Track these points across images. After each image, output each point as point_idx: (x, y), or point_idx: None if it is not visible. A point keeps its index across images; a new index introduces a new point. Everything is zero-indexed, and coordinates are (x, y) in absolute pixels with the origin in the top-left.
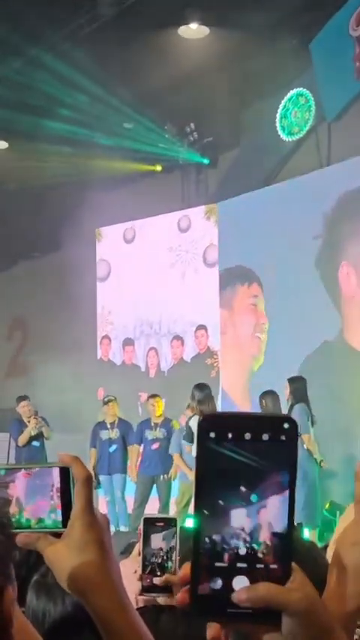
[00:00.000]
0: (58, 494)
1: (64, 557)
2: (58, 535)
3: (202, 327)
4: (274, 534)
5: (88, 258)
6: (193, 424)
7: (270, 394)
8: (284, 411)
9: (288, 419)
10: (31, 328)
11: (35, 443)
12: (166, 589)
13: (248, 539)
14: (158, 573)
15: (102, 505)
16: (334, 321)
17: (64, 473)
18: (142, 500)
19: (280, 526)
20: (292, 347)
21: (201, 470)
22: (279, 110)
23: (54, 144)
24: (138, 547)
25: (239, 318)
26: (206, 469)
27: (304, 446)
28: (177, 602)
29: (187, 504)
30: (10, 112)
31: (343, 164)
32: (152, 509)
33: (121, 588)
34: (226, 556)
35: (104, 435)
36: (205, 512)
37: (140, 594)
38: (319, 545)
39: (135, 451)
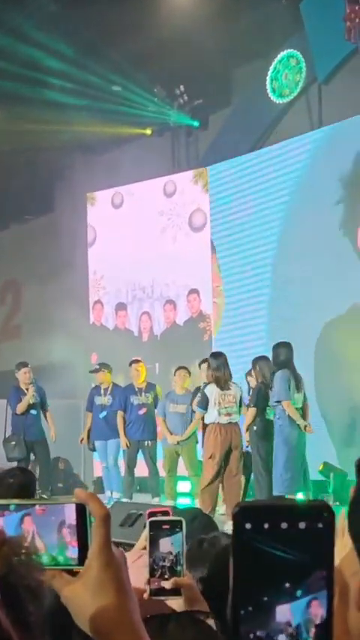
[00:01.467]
0: (75, 530)
1: (82, 598)
2: (74, 573)
3: (194, 290)
4: (318, 626)
5: (79, 222)
6: (209, 392)
7: (263, 359)
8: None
9: (324, 506)
10: (22, 292)
11: (33, 411)
12: (175, 591)
13: (295, 633)
14: (166, 576)
15: (98, 470)
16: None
17: (81, 509)
18: (130, 466)
19: (322, 618)
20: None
21: (239, 564)
22: (269, 72)
23: (43, 108)
24: (144, 544)
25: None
26: (245, 563)
27: (286, 412)
28: None
29: (171, 470)
30: None
31: (334, 126)
32: (143, 471)
33: (141, 628)
34: None
35: (98, 400)
36: (250, 608)
37: (148, 598)
38: None
39: (120, 417)
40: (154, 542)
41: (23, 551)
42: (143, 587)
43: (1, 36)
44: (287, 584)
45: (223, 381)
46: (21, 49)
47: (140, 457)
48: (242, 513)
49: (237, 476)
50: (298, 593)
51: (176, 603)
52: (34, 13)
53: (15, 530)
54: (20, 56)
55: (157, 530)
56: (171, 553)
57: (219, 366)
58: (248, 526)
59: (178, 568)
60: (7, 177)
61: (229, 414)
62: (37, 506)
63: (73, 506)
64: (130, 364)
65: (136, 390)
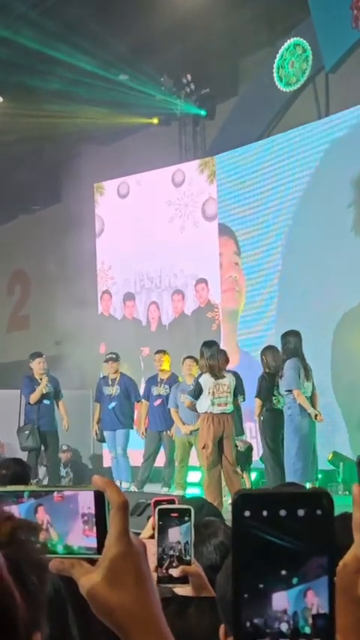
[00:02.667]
0: (93, 519)
1: (100, 588)
2: (92, 562)
3: (202, 280)
4: (316, 616)
5: (87, 212)
6: (203, 381)
7: (269, 350)
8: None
9: (323, 493)
10: (31, 282)
11: (46, 401)
12: (182, 579)
13: (291, 621)
14: (174, 564)
15: (107, 460)
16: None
17: (99, 497)
18: (149, 456)
19: (322, 607)
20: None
21: (238, 551)
22: (276, 61)
23: (50, 97)
24: (149, 532)
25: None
26: (244, 551)
27: (296, 401)
28: None
29: (183, 460)
30: (4, 67)
31: (342, 114)
32: (161, 462)
33: (160, 619)
34: None
35: (106, 390)
36: (245, 595)
37: (157, 585)
38: None
39: (144, 407)
40: (162, 532)
41: (33, 533)
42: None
43: (7, 25)
44: (284, 572)
45: (217, 369)
46: (27, 39)
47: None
48: (241, 501)
49: (234, 467)
50: (294, 580)
51: (184, 591)
52: (39, 3)
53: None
54: (26, 46)
55: (166, 519)
56: (179, 543)
57: (212, 355)
58: (247, 513)
59: (187, 558)
60: (14, 168)
61: (222, 404)
62: (54, 494)
63: (91, 494)
64: (154, 355)
65: (158, 381)
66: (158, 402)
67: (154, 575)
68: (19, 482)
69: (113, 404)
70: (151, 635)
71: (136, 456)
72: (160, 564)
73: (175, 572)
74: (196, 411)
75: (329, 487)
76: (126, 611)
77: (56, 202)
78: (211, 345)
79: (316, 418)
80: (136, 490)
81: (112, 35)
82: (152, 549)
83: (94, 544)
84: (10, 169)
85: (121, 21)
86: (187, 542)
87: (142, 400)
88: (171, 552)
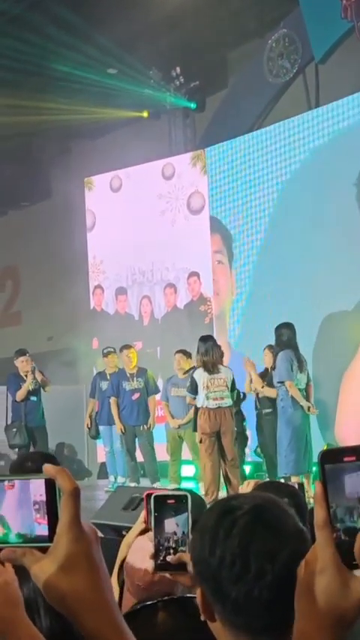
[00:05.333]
0: (44, 507)
1: (52, 575)
2: (44, 550)
3: (194, 273)
4: None
5: (78, 207)
6: (197, 376)
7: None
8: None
9: None
10: (22, 278)
11: (33, 398)
12: (180, 566)
13: None
14: (172, 551)
15: (102, 455)
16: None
17: (50, 485)
18: (131, 451)
19: None
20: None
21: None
22: (265, 53)
23: (38, 92)
24: (141, 527)
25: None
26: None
27: (289, 393)
28: None
29: (174, 453)
30: None
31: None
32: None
33: (113, 605)
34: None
35: (104, 385)
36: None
37: (153, 572)
38: (313, 487)
39: (114, 403)
40: (159, 523)
41: None
42: (148, 566)
43: None
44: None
45: (211, 364)
46: (14, 34)
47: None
48: (324, 456)
49: (233, 461)
50: None
51: (183, 579)
52: None
53: None
54: (14, 41)
55: (162, 508)
56: (175, 533)
57: (207, 350)
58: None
59: (183, 548)
60: (3, 163)
61: (218, 399)
62: (5, 483)
63: (42, 482)
64: (121, 350)
65: (128, 375)
66: (136, 395)
67: (151, 563)
68: None
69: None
70: (103, 621)
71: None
72: (156, 555)
73: (172, 560)
74: (197, 407)
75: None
76: (77, 596)
77: (46, 197)
78: (206, 340)
79: (309, 410)
80: (133, 485)
81: (101, 29)
82: (148, 542)
83: (46, 532)
84: None
85: (110, 14)
86: (183, 532)
87: (112, 396)
88: (167, 544)
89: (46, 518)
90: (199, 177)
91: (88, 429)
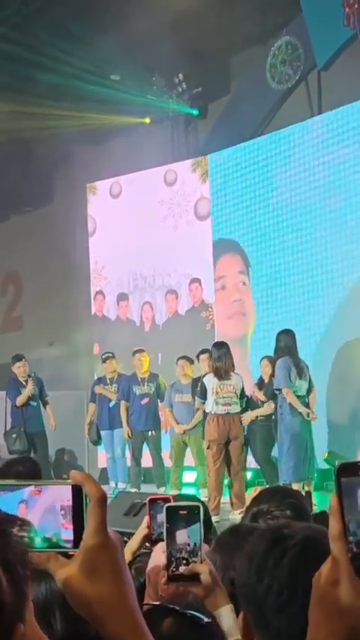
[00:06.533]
0: (70, 513)
1: (77, 580)
2: (69, 556)
3: (195, 280)
4: None
5: (80, 213)
6: (207, 381)
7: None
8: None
9: None
10: (24, 283)
11: (33, 402)
12: (193, 577)
13: None
14: (184, 564)
15: (102, 461)
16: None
17: (77, 491)
18: (137, 457)
19: None
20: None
21: (342, 501)
22: (268, 59)
23: (42, 97)
24: (144, 532)
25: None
26: (346, 500)
27: (287, 400)
28: None
29: (177, 460)
30: None
31: (334, 112)
32: (148, 462)
33: (136, 612)
34: None
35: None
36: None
37: (166, 584)
38: (316, 496)
39: (124, 407)
40: (170, 535)
41: (16, 527)
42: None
43: None
44: None
45: (223, 371)
46: (16, 40)
47: (145, 448)
48: (341, 470)
49: (239, 467)
50: None
51: (196, 590)
52: (30, 2)
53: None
54: (16, 47)
55: (174, 519)
56: (188, 545)
57: (220, 357)
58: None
59: (194, 559)
60: (5, 169)
61: (227, 404)
62: (32, 487)
63: (69, 488)
64: (134, 354)
65: (139, 380)
66: (145, 400)
67: (164, 574)
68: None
69: (113, 402)
70: (127, 627)
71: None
72: (169, 564)
73: (185, 571)
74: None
75: (325, 486)
76: (102, 602)
77: (48, 203)
78: (220, 346)
79: (308, 416)
80: (134, 491)
81: (103, 35)
82: (161, 550)
83: (71, 537)
84: (1, 170)
85: (112, 20)
86: (195, 543)
87: (122, 400)
88: (178, 555)
89: (72, 524)
90: (199, 183)
91: (89, 435)
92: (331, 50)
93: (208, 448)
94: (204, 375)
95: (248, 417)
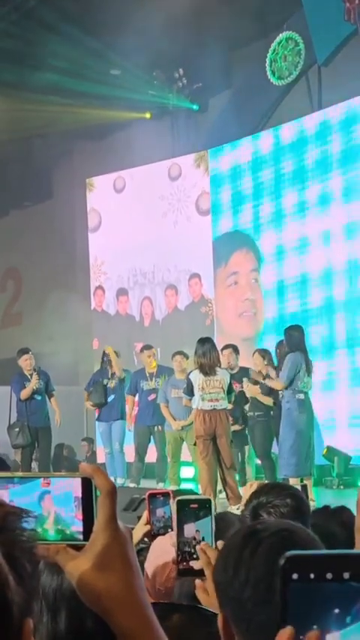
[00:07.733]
0: (80, 505)
1: (86, 573)
2: (78, 548)
3: (195, 275)
4: None
5: (79, 208)
6: (193, 377)
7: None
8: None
9: None
10: (23, 279)
11: (37, 396)
12: (203, 572)
13: None
14: (195, 556)
15: (101, 456)
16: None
17: (86, 484)
18: (141, 452)
19: None
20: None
21: (287, 607)
22: (268, 54)
23: (42, 92)
24: (144, 528)
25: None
26: (292, 605)
27: (295, 396)
28: None
29: (175, 455)
30: None
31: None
32: (153, 457)
33: (147, 605)
34: None
35: (109, 383)
36: (301, 637)
37: (177, 578)
38: (314, 490)
39: (130, 401)
40: (181, 526)
41: (23, 520)
42: (171, 571)
43: None
44: (337, 610)
45: (207, 367)
46: (17, 35)
47: (151, 443)
48: (289, 564)
49: (229, 463)
50: (348, 619)
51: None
52: None
53: (34, 507)
54: (17, 42)
55: (184, 512)
56: (195, 538)
57: (204, 352)
58: (295, 576)
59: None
60: (5, 164)
61: (213, 400)
62: (41, 480)
63: (78, 481)
64: (141, 350)
65: (147, 375)
66: (152, 396)
67: (174, 568)
68: None
69: (112, 396)
70: (138, 620)
71: (132, 451)
72: (179, 557)
73: (195, 565)
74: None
75: (324, 482)
76: (113, 596)
77: (48, 198)
78: (204, 342)
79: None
80: (134, 486)
81: (104, 30)
82: (169, 542)
83: (82, 529)
84: (0, 166)
85: (113, 15)
86: (203, 537)
87: (129, 395)
88: (186, 548)
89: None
90: (202, 178)
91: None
92: (331, 45)
93: (194, 444)
94: (190, 372)
95: (252, 389)
